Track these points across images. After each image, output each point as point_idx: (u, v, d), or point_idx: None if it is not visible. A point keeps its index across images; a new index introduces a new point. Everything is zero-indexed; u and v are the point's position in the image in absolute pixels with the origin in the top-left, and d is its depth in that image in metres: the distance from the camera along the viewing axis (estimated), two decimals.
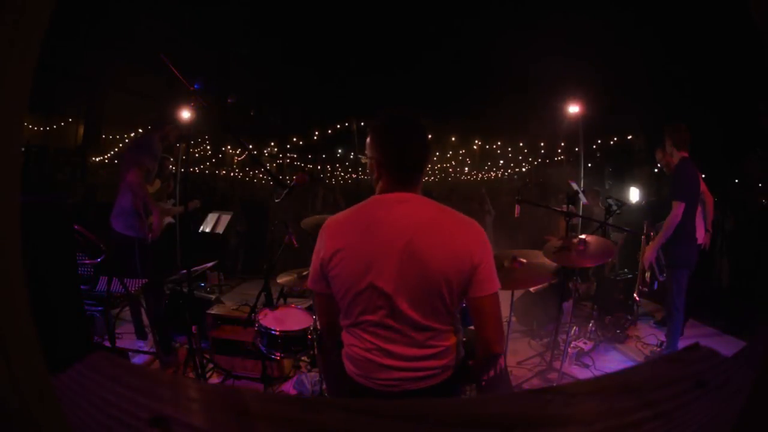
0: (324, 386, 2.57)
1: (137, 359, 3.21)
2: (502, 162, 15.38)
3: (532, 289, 4.02)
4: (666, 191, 3.71)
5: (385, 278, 1.21)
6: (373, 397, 1.28)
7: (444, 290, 1.23)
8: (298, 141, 12.74)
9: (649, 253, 3.26)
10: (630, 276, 4.25)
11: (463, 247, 1.24)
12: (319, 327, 1.41)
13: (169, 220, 4.01)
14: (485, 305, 1.27)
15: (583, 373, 3.23)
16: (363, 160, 1.33)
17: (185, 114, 4.12)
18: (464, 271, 1.23)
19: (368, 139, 1.35)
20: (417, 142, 1.31)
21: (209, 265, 4.09)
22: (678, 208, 3.05)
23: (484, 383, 2.35)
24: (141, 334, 3.53)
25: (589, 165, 8.32)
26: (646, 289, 3.56)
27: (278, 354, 2.36)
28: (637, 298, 3.85)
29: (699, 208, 3.38)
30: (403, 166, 1.30)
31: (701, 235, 3.53)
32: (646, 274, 3.43)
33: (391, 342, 1.26)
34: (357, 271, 1.23)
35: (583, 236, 2.91)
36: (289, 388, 2.88)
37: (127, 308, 3.44)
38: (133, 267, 3.14)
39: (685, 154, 3.19)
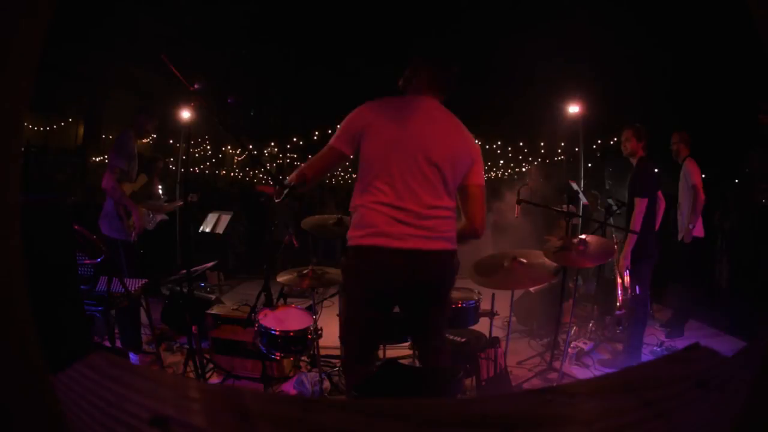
0: (325, 385, 2.57)
1: (136, 359, 3.20)
2: (502, 162, 15.38)
3: (532, 289, 4.01)
4: (664, 190, 3.73)
5: (428, 146, 1.65)
6: (384, 256, 1.56)
7: (464, 161, 1.73)
8: (298, 141, 12.73)
9: (624, 258, 3.27)
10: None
11: (469, 142, 1.78)
12: (307, 178, 1.75)
13: (161, 217, 3.99)
14: (478, 192, 1.76)
15: (583, 373, 3.22)
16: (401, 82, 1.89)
17: (185, 114, 4.09)
18: (467, 161, 1.74)
19: (418, 61, 1.87)
20: (455, 78, 1.85)
21: (209, 265, 4.08)
22: (642, 204, 3.16)
23: (484, 383, 2.34)
24: (136, 346, 3.23)
25: (589, 165, 8.31)
26: (622, 310, 3.48)
27: (278, 354, 2.37)
28: (620, 311, 3.60)
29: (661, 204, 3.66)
30: (443, 77, 1.82)
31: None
32: (625, 280, 3.41)
33: (406, 199, 1.59)
34: (395, 137, 1.65)
35: (583, 236, 2.91)
36: (289, 388, 2.88)
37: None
38: (122, 269, 3.13)
39: (643, 153, 3.32)
